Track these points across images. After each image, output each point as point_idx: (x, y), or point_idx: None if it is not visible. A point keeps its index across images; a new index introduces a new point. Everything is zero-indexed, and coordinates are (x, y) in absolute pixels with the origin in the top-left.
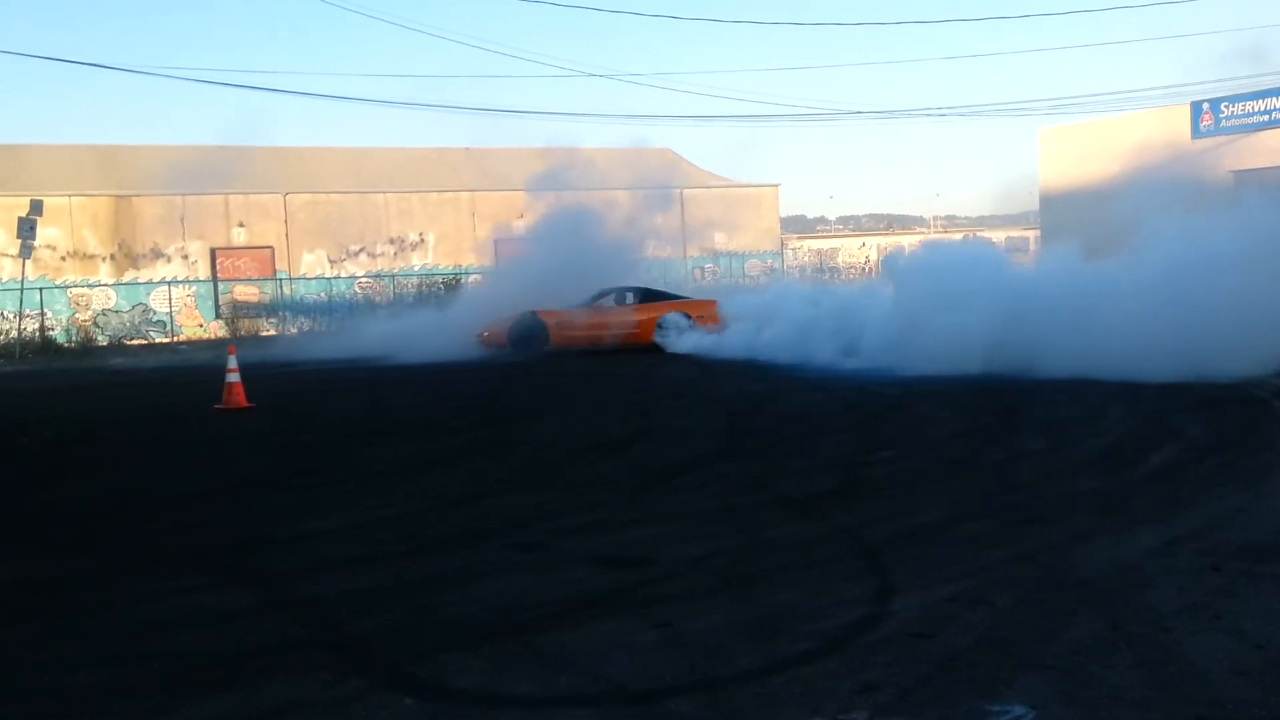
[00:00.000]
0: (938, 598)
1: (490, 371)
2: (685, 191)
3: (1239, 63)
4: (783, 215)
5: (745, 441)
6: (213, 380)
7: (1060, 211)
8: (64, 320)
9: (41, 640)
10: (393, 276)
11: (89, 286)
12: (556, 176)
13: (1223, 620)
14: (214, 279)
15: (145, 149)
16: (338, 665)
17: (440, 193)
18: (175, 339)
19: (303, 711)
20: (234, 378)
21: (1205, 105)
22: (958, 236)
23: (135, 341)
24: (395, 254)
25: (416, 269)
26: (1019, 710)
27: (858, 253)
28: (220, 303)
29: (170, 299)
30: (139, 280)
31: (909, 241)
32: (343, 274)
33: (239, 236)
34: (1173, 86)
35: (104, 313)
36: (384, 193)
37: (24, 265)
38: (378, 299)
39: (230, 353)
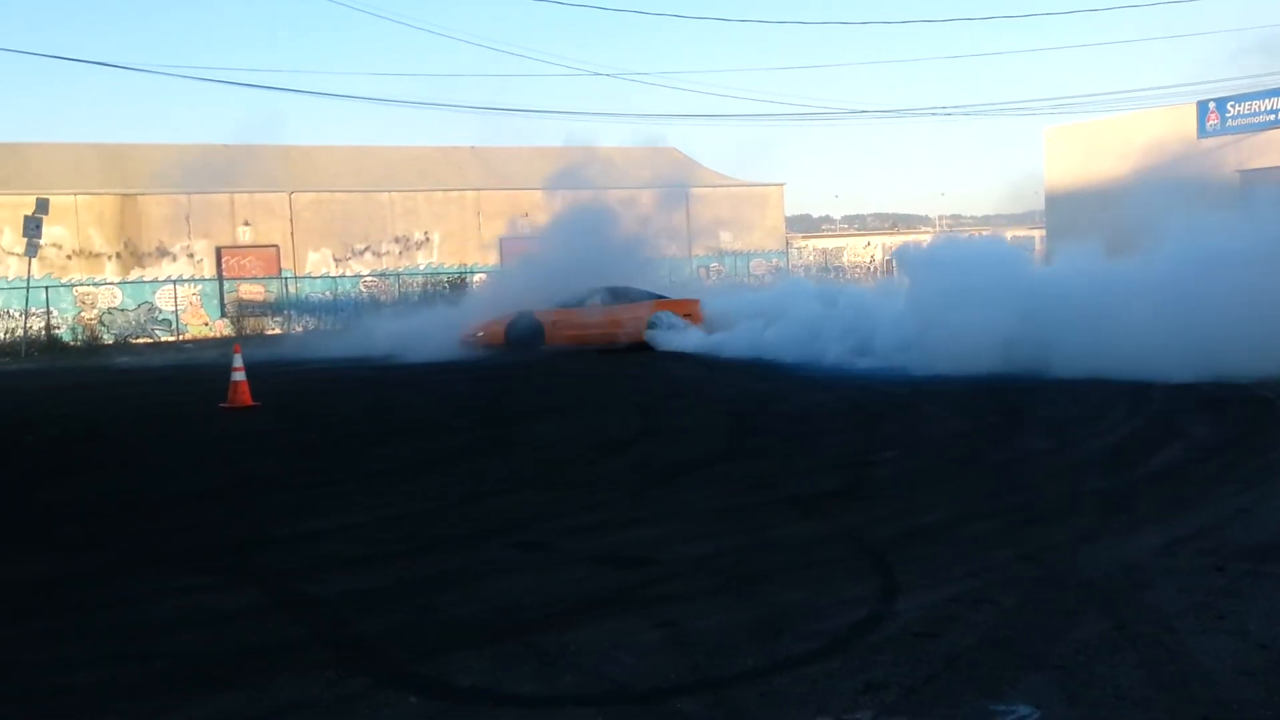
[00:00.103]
0: (942, 597)
1: (492, 371)
2: (691, 190)
3: (1252, 57)
4: (788, 214)
5: (748, 441)
6: (218, 379)
7: (1066, 211)
8: (69, 319)
9: (42, 640)
10: (398, 275)
11: (94, 285)
12: (574, 175)
13: (1227, 620)
14: (219, 277)
15: (151, 148)
16: (340, 664)
17: (445, 192)
18: (180, 337)
19: (306, 710)
20: (239, 376)
21: (1211, 104)
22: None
23: (141, 340)
24: (400, 253)
25: (421, 268)
26: (1023, 710)
27: (863, 252)
28: (225, 301)
29: (176, 297)
30: (144, 279)
31: (915, 241)
32: (348, 273)
33: (244, 235)
34: (1174, 86)
35: (109, 311)
36: (389, 191)
37: (30, 264)
38: (383, 298)
39: (236, 351)
